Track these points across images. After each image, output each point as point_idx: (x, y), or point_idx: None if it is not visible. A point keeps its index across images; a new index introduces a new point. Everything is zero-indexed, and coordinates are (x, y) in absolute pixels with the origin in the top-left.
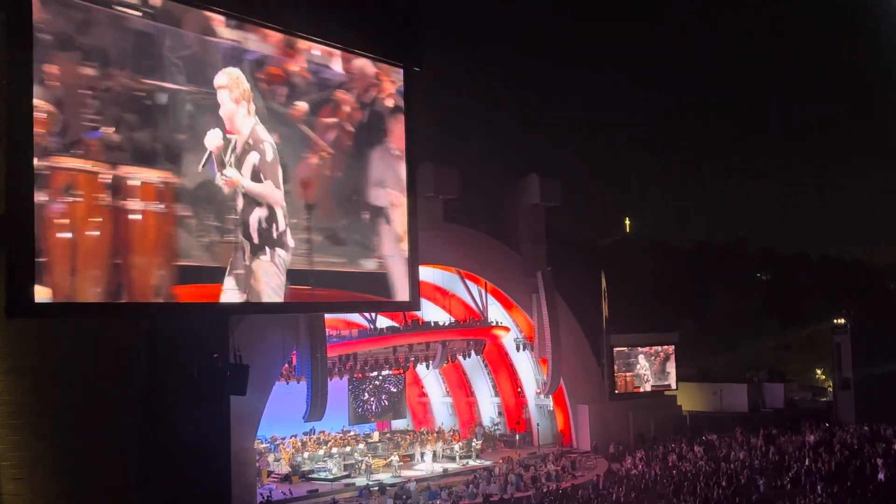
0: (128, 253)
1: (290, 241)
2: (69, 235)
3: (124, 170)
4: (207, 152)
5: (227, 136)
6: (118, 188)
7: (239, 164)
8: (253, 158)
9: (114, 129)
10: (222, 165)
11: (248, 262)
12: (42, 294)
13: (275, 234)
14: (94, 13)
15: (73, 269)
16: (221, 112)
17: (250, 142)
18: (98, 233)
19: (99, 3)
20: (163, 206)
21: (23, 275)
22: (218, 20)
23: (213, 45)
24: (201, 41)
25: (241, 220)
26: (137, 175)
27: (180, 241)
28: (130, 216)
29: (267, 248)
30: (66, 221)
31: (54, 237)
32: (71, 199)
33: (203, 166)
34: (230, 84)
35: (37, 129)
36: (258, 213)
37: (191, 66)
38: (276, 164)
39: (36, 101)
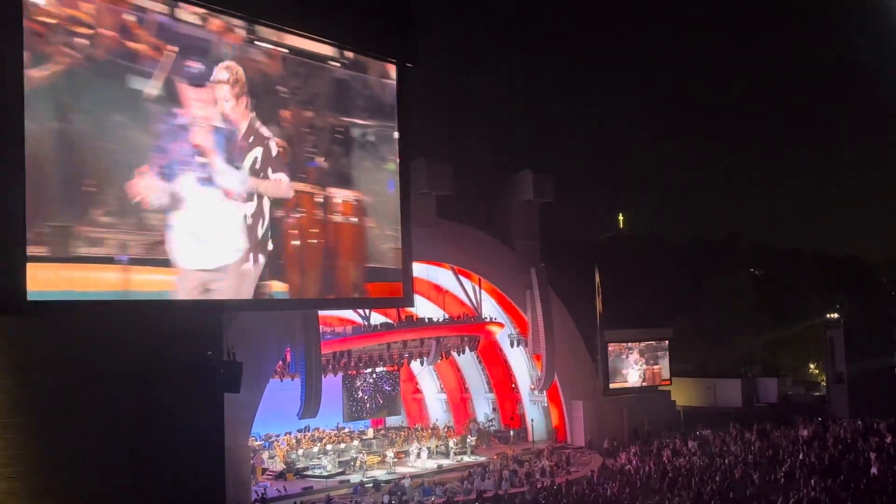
0: (336, 257)
1: (270, 240)
2: (298, 243)
3: (330, 191)
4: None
5: (227, 130)
6: (327, 205)
7: (240, 159)
8: (255, 153)
9: (324, 158)
10: (226, 161)
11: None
12: (280, 288)
13: (259, 232)
14: (314, 68)
15: (302, 270)
16: (223, 108)
17: (250, 138)
18: (316, 241)
19: (317, 59)
20: (356, 219)
21: (15, 272)
22: (391, 66)
23: (388, 86)
24: (380, 83)
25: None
26: (339, 194)
27: (368, 247)
28: (336, 228)
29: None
30: (296, 232)
31: (290, 244)
32: (298, 215)
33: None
34: (230, 79)
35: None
36: (247, 209)
37: (371, 105)
38: (281, 158)
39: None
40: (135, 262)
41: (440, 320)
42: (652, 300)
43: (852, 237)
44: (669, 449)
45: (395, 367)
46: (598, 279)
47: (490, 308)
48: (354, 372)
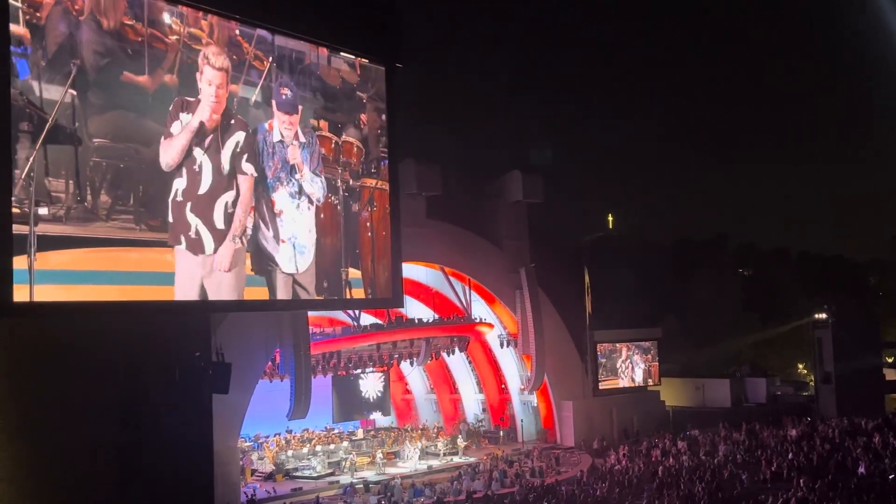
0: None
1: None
2: (370, 235)
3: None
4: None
5: (213, 116)
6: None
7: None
8: (232, 143)
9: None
10: (202, 145)
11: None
12: (354, 275)
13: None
14: (379, 73)
15: (374, 259)
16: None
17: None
18: (385, 233)
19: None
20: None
21: (0, 275)
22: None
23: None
24: None
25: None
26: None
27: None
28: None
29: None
30: (369, 224)
31: (365, 236)
32: (371, 209)
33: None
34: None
35: (351, 159)
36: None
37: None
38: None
39: (350, 139)
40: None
41: (430, 321)
42: (640, 300)
43: (839, 237)
44: (659, 449)
45: (385, 368)
46: (587, 279)
47: (480, 309)
48: (344, 373)
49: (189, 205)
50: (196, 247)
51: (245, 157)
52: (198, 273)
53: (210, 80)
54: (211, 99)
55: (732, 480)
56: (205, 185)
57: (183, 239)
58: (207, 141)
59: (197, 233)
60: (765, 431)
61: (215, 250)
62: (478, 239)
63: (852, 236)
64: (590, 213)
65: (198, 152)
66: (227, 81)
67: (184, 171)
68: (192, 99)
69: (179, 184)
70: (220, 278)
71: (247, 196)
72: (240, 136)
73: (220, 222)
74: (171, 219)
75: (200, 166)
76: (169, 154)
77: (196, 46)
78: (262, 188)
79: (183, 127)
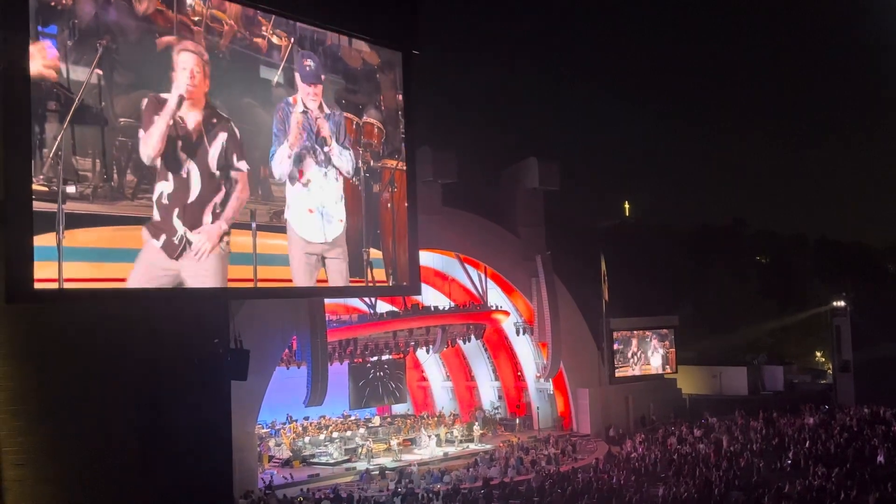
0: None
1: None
2: (391, 215)
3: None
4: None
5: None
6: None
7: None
8: (219, 143)
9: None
10: (187, 150)
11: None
12: (375, 255)
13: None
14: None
15: (396, 239)
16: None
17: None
18: (405, 214)
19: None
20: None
21: (22, 259)
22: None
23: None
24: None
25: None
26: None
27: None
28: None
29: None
30: (390, 205)
31: (386, 216)
32: (391, 190)
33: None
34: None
35: (372, 140)
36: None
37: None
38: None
39: (371, 120)
40: (261, 227)
41: (446, 308)
42: (657, 287)
43: (858, 223)
44: (675, 437)
45: (401, 355)
46: (603, 266)
47: (496, 296)
48: (360, 360)
49: (177, 210)
50: (172, 250)
51: (235, 155)
52: (163, 262)
53: (184, 65)
54: (186, 84)
55: (749, 468)
56: (194, 192)
57: (163, 238)
58: (192, 144)
59: (181, 239)
60: (782, 420)
61: (196, 249)
62: (493, 226)
63: (871, 223)
64: (606, 199)
65: (182, 157)
66: (205, 67)
67: (169, 175)
68: (165, 95)
69: (164, 187)
70: (199, 264)
71: (242, 189)
72: (223, 137)
73: (207, 223)
74: (157, 217)
75: (188, 173)
76: (149, 146)
77: (217, 28)
78: (270, 168)
79: (159, 115)
